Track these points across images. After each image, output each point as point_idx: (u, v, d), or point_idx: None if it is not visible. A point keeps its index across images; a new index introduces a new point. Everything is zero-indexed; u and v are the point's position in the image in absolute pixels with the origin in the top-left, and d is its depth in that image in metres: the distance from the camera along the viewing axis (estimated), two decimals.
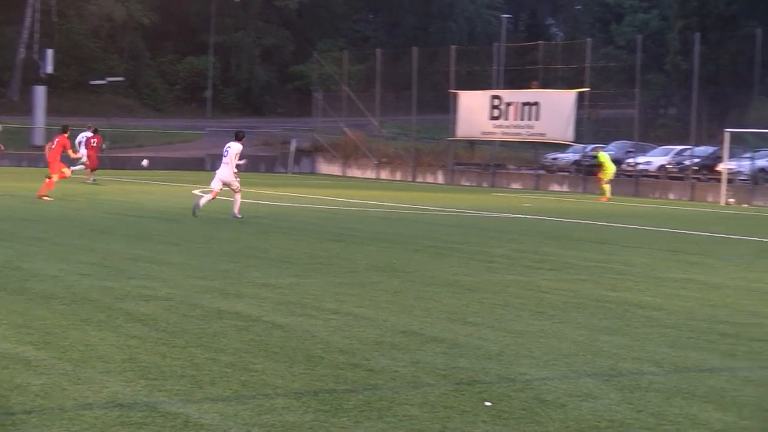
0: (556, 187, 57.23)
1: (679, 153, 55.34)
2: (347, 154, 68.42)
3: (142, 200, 32.12)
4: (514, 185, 58.31)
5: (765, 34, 56.48)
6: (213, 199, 25.59)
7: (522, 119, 57.72)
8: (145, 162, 45.50)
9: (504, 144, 63.39)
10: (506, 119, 58.56)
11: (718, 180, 50.20)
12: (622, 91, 66.24)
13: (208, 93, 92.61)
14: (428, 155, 64.52)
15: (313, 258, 17.01)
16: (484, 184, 59.41)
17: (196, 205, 25.25)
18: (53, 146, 33.45)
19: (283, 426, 6.98)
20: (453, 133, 61.90)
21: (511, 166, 62.09)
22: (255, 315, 11.21)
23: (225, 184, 25.43)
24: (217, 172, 25.87)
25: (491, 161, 61.47)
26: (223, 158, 25.64)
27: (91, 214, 25.43)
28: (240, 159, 25.84)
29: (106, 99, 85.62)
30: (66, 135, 34.19)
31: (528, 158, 62.80)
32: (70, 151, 34.78)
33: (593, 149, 50.97)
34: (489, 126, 59.45)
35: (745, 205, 47.06)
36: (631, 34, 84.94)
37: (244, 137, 26.67)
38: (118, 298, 12.08)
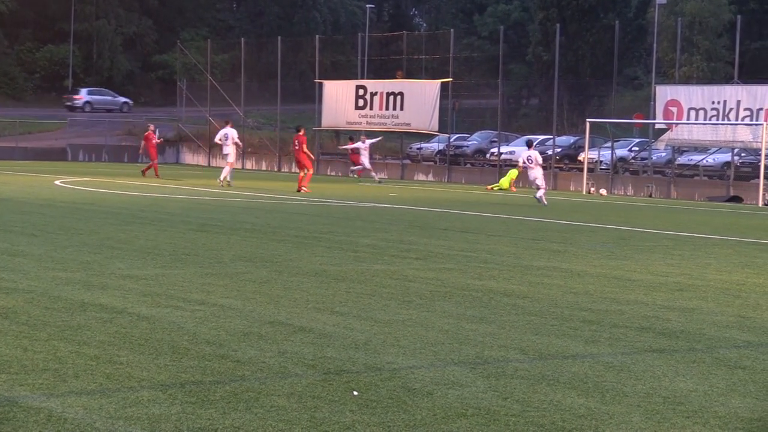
0: (421, 177, 57.66)
1: (542, 143, 56.22)
2: (212, 144, 67.87)
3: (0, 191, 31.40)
4: (380, 175, 58.51)
5: (622, 26, 57.68)
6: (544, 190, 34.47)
7: (387, 109, 57.95)
8: None
9: (350, 134, 63.65)
10: (371, 109, 58.73)
11: (579, 169, 51.09)
12: (486, 81, 67.11)
13: (69, 82, 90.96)
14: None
15: (177, 248, 16.83)
16: (350, 174, 59.46)
17: (540, 200, 33.96)
18: (296, 146, 38.84)
19: (149, 419, 6.89)
20: (318, 122, 61.87)
21: (377, 156, 62.33)
22: (119, 307, 11.04)
23: (535, 179, 34.60)
24: (531, 173, 35.02)
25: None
26: (530, 164, 34.69)
27: None
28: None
29: None
30: (302, 133, 39.32)
31: (393, 148, 63.11)
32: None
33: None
34: (354, 116, 59.57)
35: (606, 194, 47.96)
36: (494, 25, 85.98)
37: (533, 144, 36.88)
38: None
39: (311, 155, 41.17)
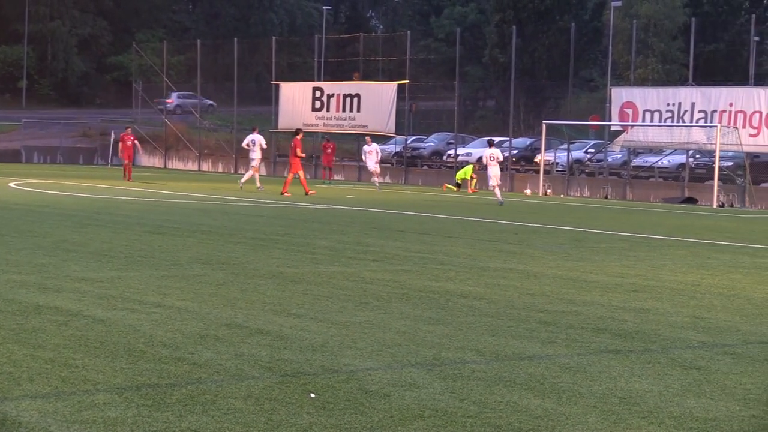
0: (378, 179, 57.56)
1: (498, 144, 56.31)
2: (168, 146, 67.66)
3: None
4: (337, 177, 58.49)
5: (578, 29, 57.94)
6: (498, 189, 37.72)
7: (344, 111, 57.96)
8: None
9: (327, 135, 63.65)
10: (328, 111, 58.73)
11: (536, 171, 51.27)
12: (442, 83, 67.20)
13: (23, 83, 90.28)
14: None
15: (133, 251, 16.74)
16: (308, 176, 59.33)
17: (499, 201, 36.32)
18: (292, 149, 39.66)
19: (105, 422, 6.84)
20: (275, 124, 61.75)
21: (334, 158, 62.27)
22: (75, 309, 10.97)
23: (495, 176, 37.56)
24: (491, 170, 37.52)
25: (314, 153, 61.54)
26: (491, 162, 37.34)
27: None
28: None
29: None
30: (299, 137, 40.05)
31: (350, 150, 63.08)
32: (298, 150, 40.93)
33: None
34: (311, 117, 59.54)
35: (562, 196, 48.18)
36: (450, 27, 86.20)
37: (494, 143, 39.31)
38: None
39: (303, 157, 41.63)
